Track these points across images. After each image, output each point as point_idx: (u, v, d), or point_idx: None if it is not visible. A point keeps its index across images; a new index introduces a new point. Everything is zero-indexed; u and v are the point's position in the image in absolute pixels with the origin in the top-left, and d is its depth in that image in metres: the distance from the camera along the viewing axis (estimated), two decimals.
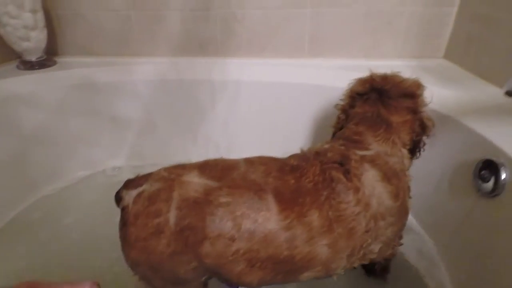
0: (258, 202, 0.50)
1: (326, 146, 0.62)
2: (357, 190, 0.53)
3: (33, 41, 1.06)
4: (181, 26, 1.12)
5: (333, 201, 0.52)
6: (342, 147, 0.60)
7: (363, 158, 0.58)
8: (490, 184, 0.63)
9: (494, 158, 0.63)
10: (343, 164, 0.56)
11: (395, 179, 0.57)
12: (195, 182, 0.52)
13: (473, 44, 0.93)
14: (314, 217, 0.51)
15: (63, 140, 1.07)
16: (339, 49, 1.10)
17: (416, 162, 0.88)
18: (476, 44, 0.92)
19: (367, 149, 0.60)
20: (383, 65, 1.03)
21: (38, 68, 1.09)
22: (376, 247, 0.59)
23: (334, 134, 0.71)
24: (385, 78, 0.66)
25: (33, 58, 1.10)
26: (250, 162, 0.57)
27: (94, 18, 1.14)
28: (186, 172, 0.53)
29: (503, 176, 0.60)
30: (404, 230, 0.65)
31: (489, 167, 0.64)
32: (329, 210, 0.51)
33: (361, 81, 0.68)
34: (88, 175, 1.11)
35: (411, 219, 0.88)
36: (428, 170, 0.83)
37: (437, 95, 0.85)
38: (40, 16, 1.05)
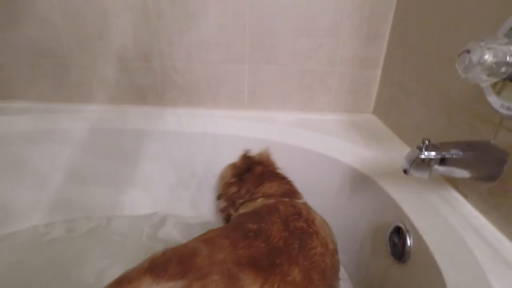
0: (238, 283, 0.44)
1: (266, 202, 0.68)
2: (317, 233, 0.59)
3: None
4: (119, 75, 1.11)
5: (305, 251, 0.54)
6: (283, 200, 0.69)
7: (305, 205, 0.67)
8: (399, 249, 0.67)
9: (401, 224, 0.67)
10: (299, 214, 0.61)
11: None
12: None
13: (394, 104, 1.02)
14: (295, 273, 0.49)
15: None
16: (277, 102, 1.15)
17: (344, 219, 0.92)
18: (396, 105, 1.00)
19: (299, 198, 0.71)
20: (317, 119, 1.11)
21: None
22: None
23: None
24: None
25: None
26: (209, 241, 0.51)
27: (30, 62, 1.10)
28: (135, 284, 0.43)
29: (408, 243, 0.64)
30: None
31: (398, 233, 0.68)
32: (304, 260, 0.53)
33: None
34: (12, 232, 1.01)
35: (343, 272, 0.90)
36: (354, 227, 0.87)
37: (360, 155, 0.91)
38: None
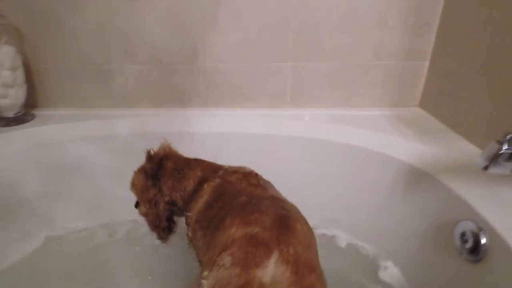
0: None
1: (213, 184, 0.68)
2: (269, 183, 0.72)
3: (11, 98, 1.04)
4: (162, 78, 1.13)
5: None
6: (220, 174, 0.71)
7: (236, 168, 0.73)
8: (471, 247, 0.64)
9: (472, 222, 0.64)
10: (249, 173, 0.71)
11: None
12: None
13: (445, 97, 0.98)
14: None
15: (28, 200, 1.00)
16: (319, 99, 1.13)
17: (399, 218, 0.89)
18: (448, 98, 0.96)
19: (224, 168, 0.74)
20: (362, 114, 1.09)
21: (15, 124, 1.07)
22: None
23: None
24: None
25: (10, 114, 1.07)
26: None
27: (76, 71, 1.14)
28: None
29: (483, 241, 0.61)
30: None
31: (469, 230, 0.65)
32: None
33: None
34: (54, 236, 1.04)
35: (398, 275, 0.88)
36: (411, 226, 0.84)
37: (415, 150, 0.88)
38: (20, 72, 1.04)
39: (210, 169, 0.73)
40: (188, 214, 0.68)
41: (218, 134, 1.08)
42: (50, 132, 1.08)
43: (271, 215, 0.50)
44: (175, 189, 0.73)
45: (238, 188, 0.64)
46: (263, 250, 0.43)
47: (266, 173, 1.04)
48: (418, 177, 0.83)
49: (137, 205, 0.80)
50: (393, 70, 1.08)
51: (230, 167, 0.73)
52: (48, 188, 1.02)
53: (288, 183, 1.04)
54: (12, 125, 1.06)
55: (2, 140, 1.01)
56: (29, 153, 1.03)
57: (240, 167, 0.72)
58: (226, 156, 1.07)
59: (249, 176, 0.68)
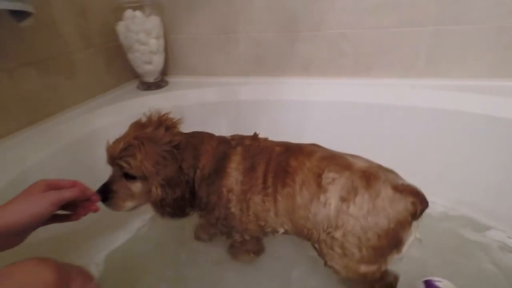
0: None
1: (235, 150, 0.67)
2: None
3: (154, 64, 1.16)
4: (286, 46, 1.13)
5: None
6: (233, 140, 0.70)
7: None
8: None
9: None
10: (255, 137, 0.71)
11: None
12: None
13: None
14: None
15: None
16: (460, 68, 1.00)
17: None
18: None
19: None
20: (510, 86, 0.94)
21: (154, 89, 1.19)
22: None
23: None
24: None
25: (151, 80, 1.20)
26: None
27: (204, 40, 1.21)
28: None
29: None
30: None
31: None
32: None
33: None
34: None
35: None
36: None
37: None
38: (161, 41, 1.15)
39: (220, 141, 0.67)
40: (223, 189, 0.64)
41: (340, 103, 1.05)
42: (182, 96, 1.18)
43: (312, 145, 0.67)
44: (192, 168, 0.63)
45: (262, 145, 0.67)
46: (339, 158, 0.61)
47: (400, 148, 0.99)
48: None
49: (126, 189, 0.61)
50: None
51: (231, 136, 0.71)
52: None
53: (426, 158, 0.98)
54: (152, 89, 1.19)
55: (146, 102, 1.13)
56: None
57: (236, 134, 0.72)
58: (353, 129, 1.05)
59: (254, 138, 0.70)
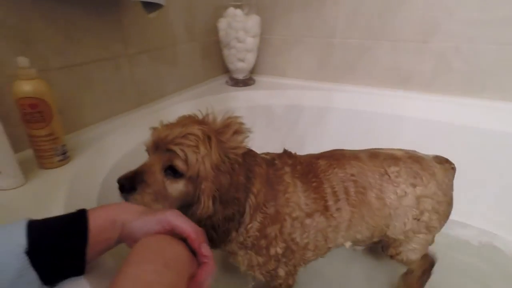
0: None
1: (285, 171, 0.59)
2: None
3: (246, 62, 1.18)
4: (386, 56, 1.06)
5: None
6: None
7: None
8: None
9: None
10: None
11: None
12: None
13: None
14: None
15: None
16: None
17: None
18: None
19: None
20: None
21: (242, 86, 1.21)
22: None
23: None
24: None
25: (240, 77, 1.23)
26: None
27: (298, 42, 1.20)
28: None
29: None
30: None
31: None
32: None
33: None
34: None
35: None
36: None
37: None
38: (257, 40, 1.17)
39: (266, 163, 0.57)
40: (287, 218, 0.55)
41: (441, 123, 0.96)
42: (267, 96, 1.18)
43: (337, 150, 0.65)
44: (244, 190, 0.51)
45: (304, 161, 0.60)
46: (381, 153, 0.63)
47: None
48: None
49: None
50: None
51: (267, 153, 0.62)
52: None
53: None
54: (239, 86, 1.21)
55: (233, 98, 1.16)
56: (249, 111, 1.15)
57: (268, 153, 0.62)
58: (458, 155, 0.94)
59: (290, 155, 0.62)
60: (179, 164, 0.45)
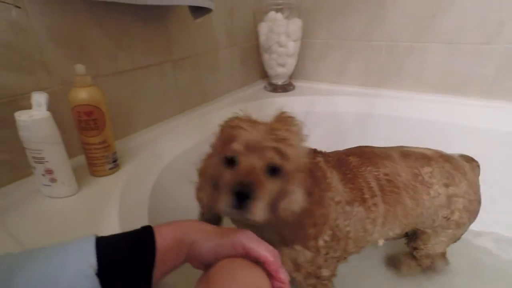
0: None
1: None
2: None
3: (287, 67, 1.15)
4: (442, 59, 0.99)
5: None
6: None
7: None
8: None
9: None
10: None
11: None
12: None
13: None
14: None
15: None
16: None
17: None
18: None
19: None
20: None
21: (281, 91, 1.18)
22: None
23: None
24: None
25: (280, 82, 1.19)
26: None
27: (341, 46, 1.15)
28: None
29: None
30: None
31: None
32: None
33: None
34: None
35: None
36: None
37: None
38: (298, 44, 1.13)
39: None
40: (330, 202, 0.53)
41: (506, 134, 0.87)
42: (307, 102, 1.14)
43: (366, 147, 0.65)
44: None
45: (336, 156, 0.60)
46: (414, 153, 0.63)
47: None
48: None
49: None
50: None
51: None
52: None
53: None
54: (278, 91, 1.18)
55: (273, 104, 1.13)
56: None
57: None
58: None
59: (318, 150, 0.60)
60: (280, 161, 0.43)
